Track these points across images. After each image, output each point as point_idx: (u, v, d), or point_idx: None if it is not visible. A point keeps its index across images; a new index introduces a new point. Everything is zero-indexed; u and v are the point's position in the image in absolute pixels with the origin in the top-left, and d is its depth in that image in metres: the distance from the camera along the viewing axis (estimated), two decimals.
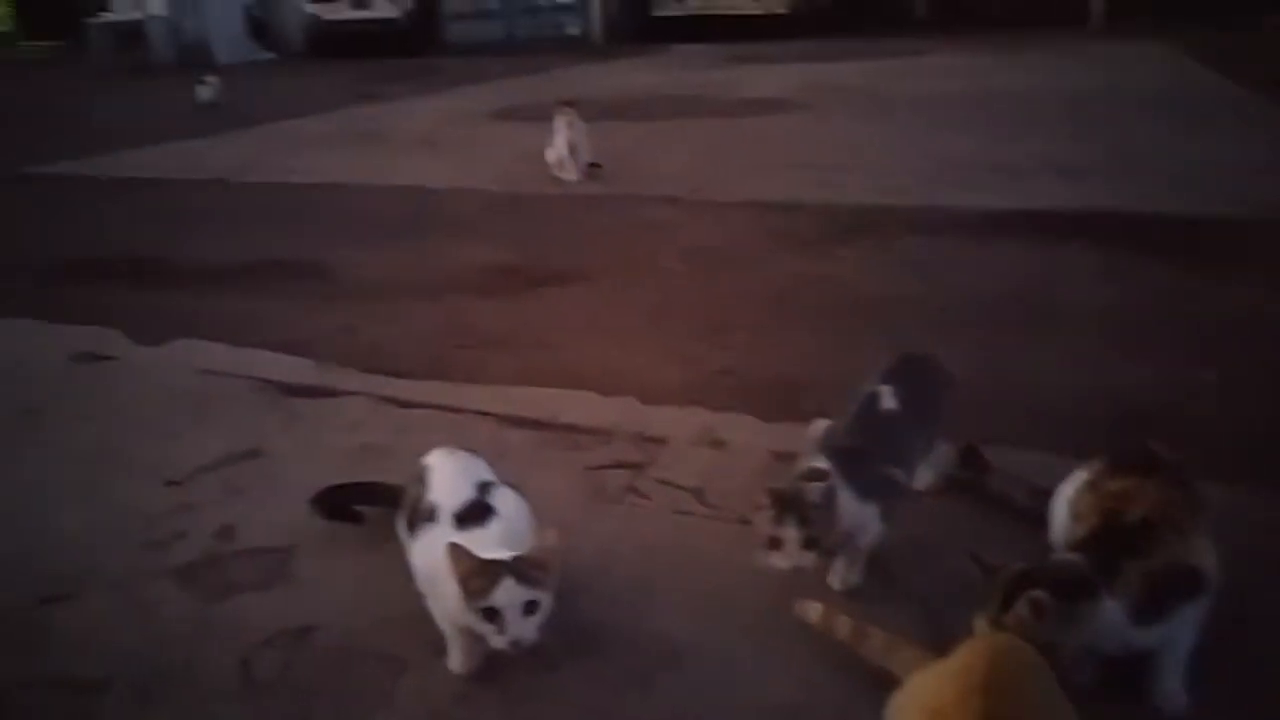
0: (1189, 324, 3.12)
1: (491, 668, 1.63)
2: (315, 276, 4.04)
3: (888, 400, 1.87)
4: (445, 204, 5.37)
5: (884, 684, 1.41)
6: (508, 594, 1.45)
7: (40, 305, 3.69)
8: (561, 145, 5.62)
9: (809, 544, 1.63)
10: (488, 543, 1.55)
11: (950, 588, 1.66)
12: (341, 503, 2.07)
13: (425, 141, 7.48)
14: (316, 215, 5.25)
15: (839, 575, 1.82)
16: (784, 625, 1.68)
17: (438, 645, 1.66)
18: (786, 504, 1.64)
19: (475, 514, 1.63)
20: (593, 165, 5.76)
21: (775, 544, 1.64)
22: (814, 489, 1.65)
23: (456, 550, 1.48)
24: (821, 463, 1.73)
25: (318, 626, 1.77)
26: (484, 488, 1.70)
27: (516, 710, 1.58)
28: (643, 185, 5.53)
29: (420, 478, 1.75)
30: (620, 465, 2.31)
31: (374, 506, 2.03)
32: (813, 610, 1.65)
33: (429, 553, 1.60)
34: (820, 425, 1.93)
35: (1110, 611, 1.41)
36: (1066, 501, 1.68)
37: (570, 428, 2.53)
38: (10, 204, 5.90)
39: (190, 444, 2.50)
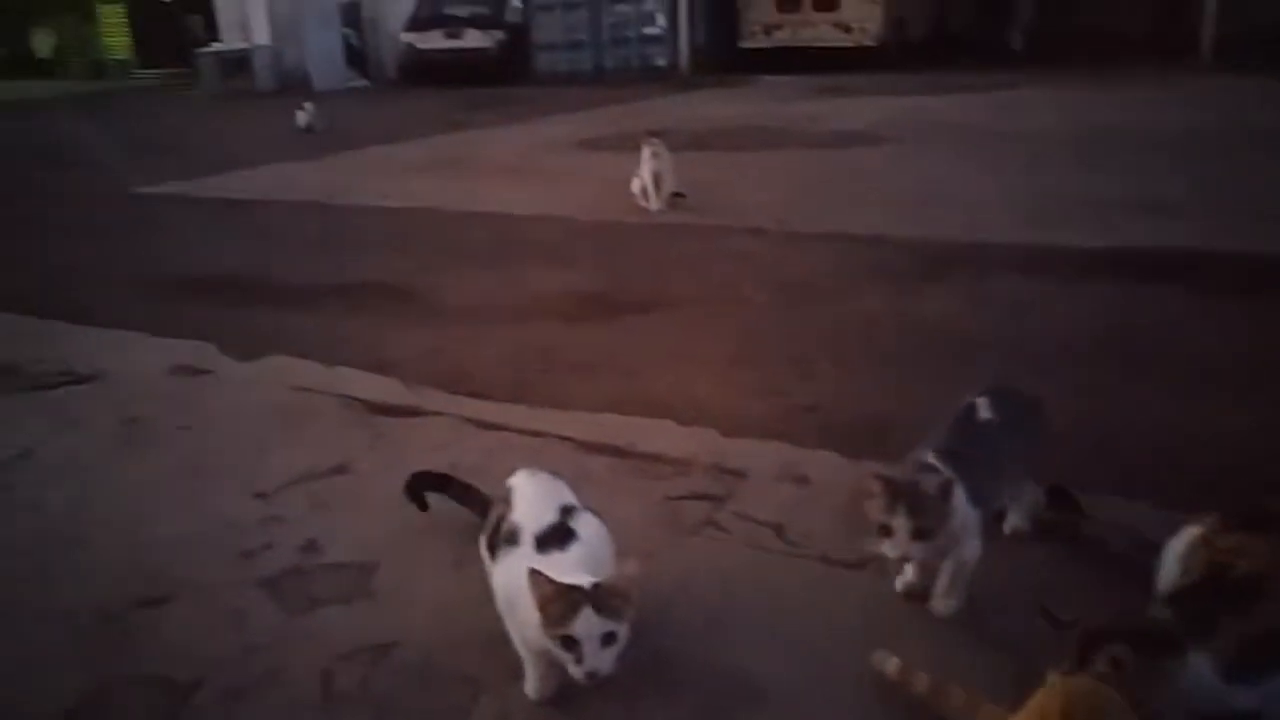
0: None
1: (567, 696, 1.63)
2: (404, 298, 4.15)
3: (984, 412, 1.86)
4: (531, 231, 5.47)
5: None
6: (586, 624, 1.45)
7: (144, 319, 3.86)
8: (647, 175, 5.68)
9: (919, 534, 1.64)
10: (568, 567, 1.55)
11: (1037, 638, 1.60)
12: (426, 487, 2.15)
13: (513, 169, 7.64)
14: (407, 239, 5.40)
15: (940, 599, 1.79)
16: (863, 669, 1.65)
17: (515, 669, 1.67)
18: (899, 493, 1.64)
19: (556, 537, 1.64)
20: (677, 195, 5.80)
21: (885, 532, 1.65)
22: (931, 480, 1.66)
23: (537, 576, 1.48)
24: (932, 459, 1.73)
25: (398, 643, 1.80)
26: (566, 511, 1.71)
27: None
28: (728, 216, 5.54)
29: (505, 498, 1.77)
30: (699, 497, 2.30)
31: (460, 505, 2.09)
32: (890, 664, 1.62)
33: (509, 575, 1.62)
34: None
35: (1200, 669, 1.35)
36: (1176, 556, 1.62)
37: (650, 456, 2.53)
38: (120, 222, 6.20)
39: (280, 458, 2.59)
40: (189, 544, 2.18)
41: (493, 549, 1.72)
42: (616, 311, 3.86)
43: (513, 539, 1.67)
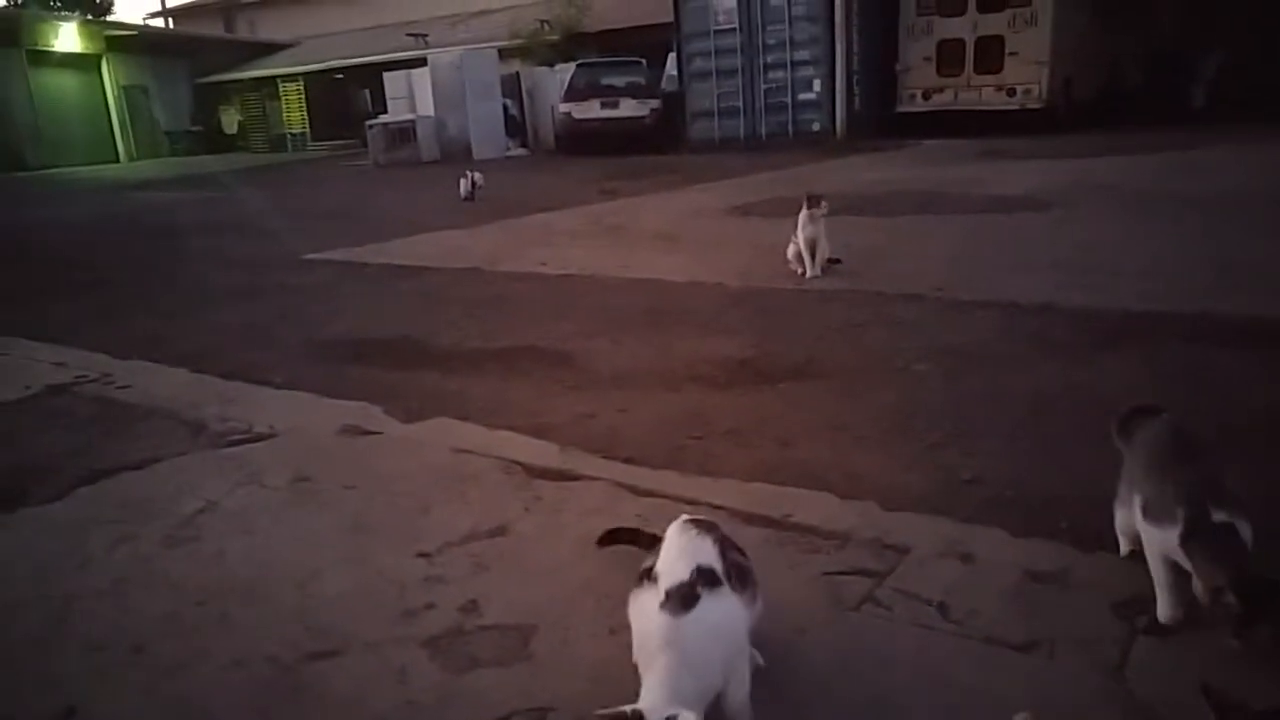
0: None
1: None
2: (561, 364, 4.28)
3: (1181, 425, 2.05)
4: (684, 297, 5.56)
5: None
6: None
7: (315, 380, 4.13)
8: (802, 240, 5.69)
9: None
10: (685, 636, 1.58)
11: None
12: (617, 541, 2.31)
13: (666, 236, 7.82)
14: (563, 305, 5.58)
15: None
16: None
17: None
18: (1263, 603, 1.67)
19: (683, 596, 1.65)
20: (833, 261, 5.78)
21: (1240, 634, 1.69)
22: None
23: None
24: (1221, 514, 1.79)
25: (554, 708, 1.83)
26: (703, 573, 1.70)
27: None
28: (884, 282, 5.47)
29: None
30: (859, 572, 2.26)
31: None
32: None
33: (638, 613, 1.69)
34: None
35: None
36: None
37: (806, 529, 2.50)
38: (291, 288, 6.69)
39: (441, 518, 2.70)
40: (355, 600, 2.30)
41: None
42: (770, 378, 3.86)
43: (648, 579, 1.72)
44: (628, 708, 1.52)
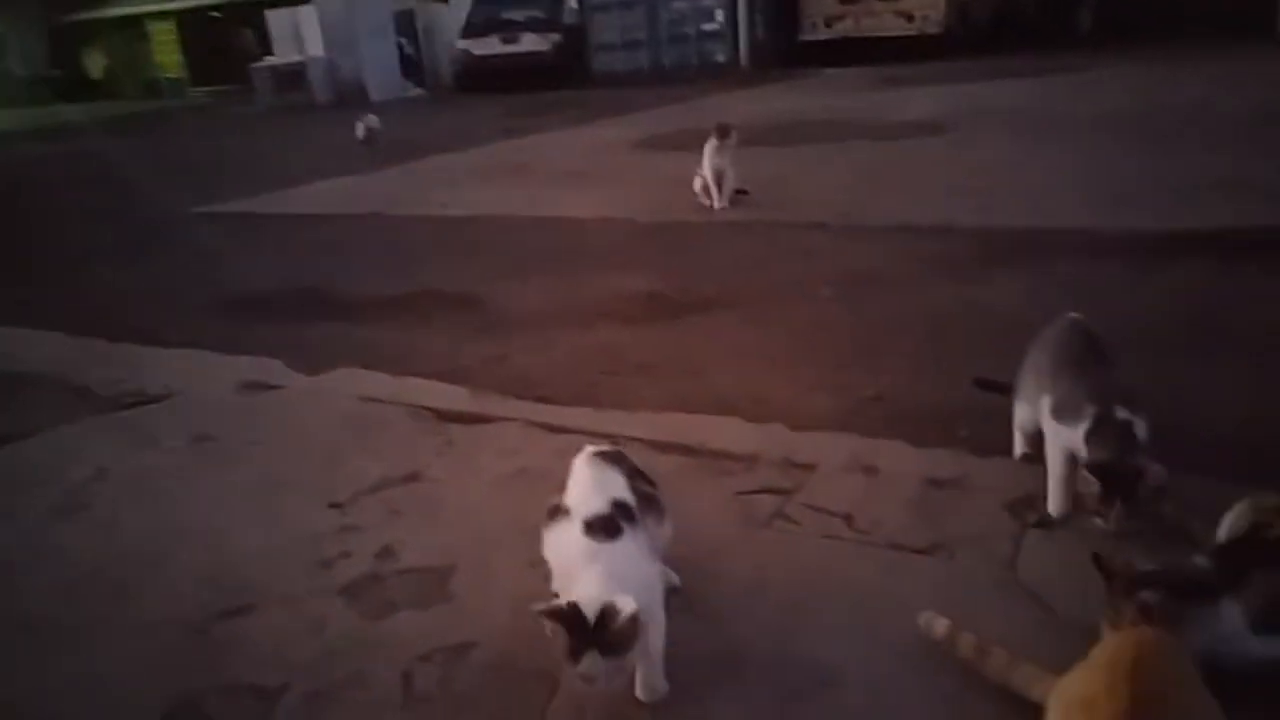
0: None
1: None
2: (468, 307, 4.24)
3: (1088, 325, 2.16)
4: (593, 234, 5.54)
5: (1033, 708, 1.40)
6: (592, 663, 1.51)
7: (211, 338, 3.99)
8: (709, 172, 5.70)
9: (1135, 517, 1.82)
10: (612, 561, 1.62)
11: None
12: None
13: (573, 173, 7.74)
14: (469, 247, 5.51)
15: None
16: (934, 650, 1.67)
17: None
18: (1116, 484, 1.81)
19: (605, 526, 1.68)
20: (740, 192, 5.81)
21: (1101, 514, 1.82)
22: (1156, 471, 1.81)
23: (551, 612, 1.54)
24: (1124, 413, 1.91)
25: (475, 644, 1.86)
26: (619, 506, 1.74)
27: None
28: (790, 211, 5.54)
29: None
30: (769, 491, 2.33)
31: None
32: (938, 626, 1.67)
33: (560, 548, 1.72)
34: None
35: (1229, 616, 1.44)
36: (1230, 518, 1.70)
37: (719, 454, 2.56)
38: (182, 242, 6.44)
39: (352, 468, 2.67)
40: (267, 556, 2.27)
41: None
42: (680, 311, 3.90)
43: (561, 514, 1.75)
44: (564, 601, 1.56)
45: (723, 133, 5.66)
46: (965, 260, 4.26)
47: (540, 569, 1.96)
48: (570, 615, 1.51)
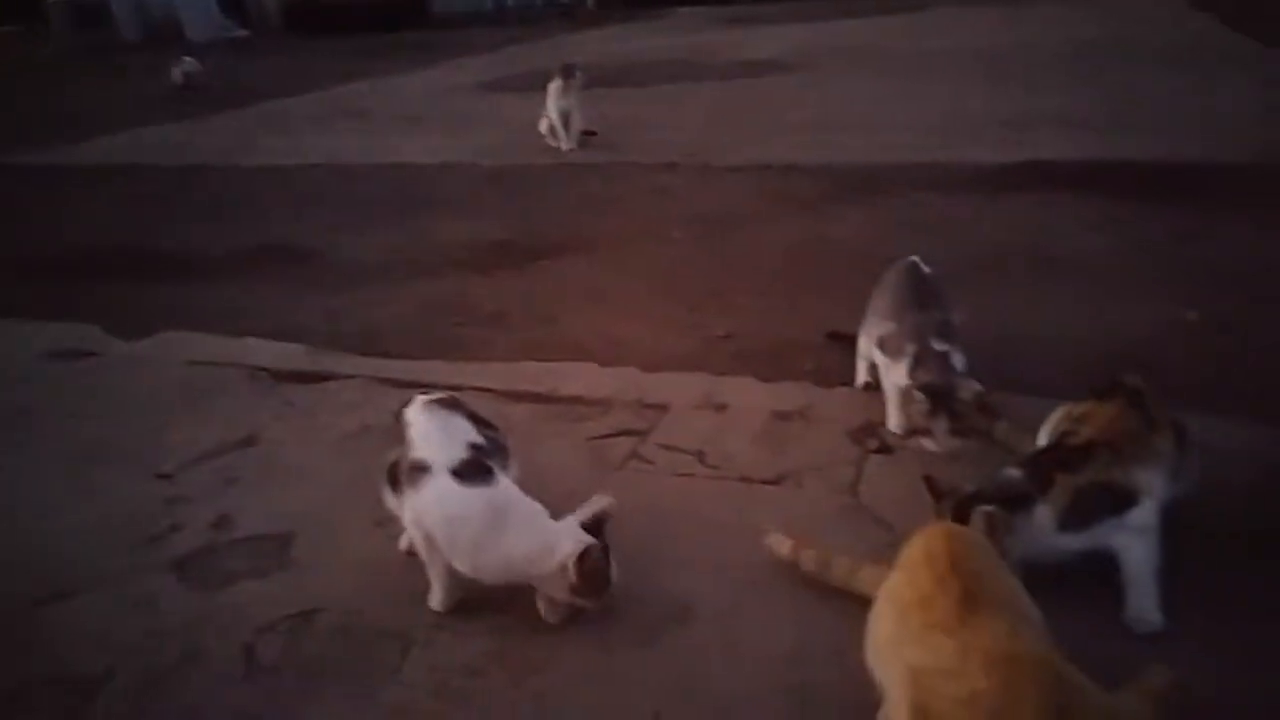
0: (1181, 267, 3.22)
1: (500, 628, 1.70)
2: (305, 261, 4.06)
3: (923, 268, 2.33)
4: (436, 181, 5.38)
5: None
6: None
7: (13, 303, 3.69)
8: (554, 113, 5.61)
9: (959, 432, 1.98)
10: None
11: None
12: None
13: (414, 118, 7.48)
14: (304, 198, 5.26)
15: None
16: (786, 577, 1.73)
17: (442, 620, 1.71)
18: (939, 400, 1.97)
19: (478, 471, 1.71)
20: (587, 133, 5.75)
21: (926, 433, 1.95)
22: (971, 388, 1.98)
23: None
24: (941, 346, 2.09)
25: (321, 609, 1.80)
26: (480, 449, 1.77)
27: (525, 681, 1.61)
28: (639, 152, 5.53)
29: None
30: (623, 433, 2.34)
31: None
32: (784, 545, 1.77)
33: (433, 507, 1.69)
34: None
35: (1041, 518, 1.59)
36: (1045, 430, 1.84)
37: (572, 399, 2.56)
38: None
39: (181, 436, 2.53)
40: (90, 534, 2.13)
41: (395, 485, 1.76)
42: (530, 257, 3.85)
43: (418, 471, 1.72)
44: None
45: (568, 73, 5.58)
46: (814, 197, 4.36)
47: (387, 528, 1.93)
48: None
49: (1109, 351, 2.54)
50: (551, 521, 1.69)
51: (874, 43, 9.42)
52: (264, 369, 2.91)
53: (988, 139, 5.14)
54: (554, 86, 5.59)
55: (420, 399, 1.87)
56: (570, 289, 3.49)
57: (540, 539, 1.65)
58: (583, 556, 1.61)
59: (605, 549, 1.63)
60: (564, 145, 5.63)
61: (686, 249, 3.85)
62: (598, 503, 1.70)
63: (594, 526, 1.67)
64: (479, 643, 1.68)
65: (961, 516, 1.56)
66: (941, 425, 1.98)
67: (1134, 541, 1.61)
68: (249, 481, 2.28)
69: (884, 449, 2.20)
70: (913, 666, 1.25)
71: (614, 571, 1.66)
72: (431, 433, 1.78)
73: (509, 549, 1.65)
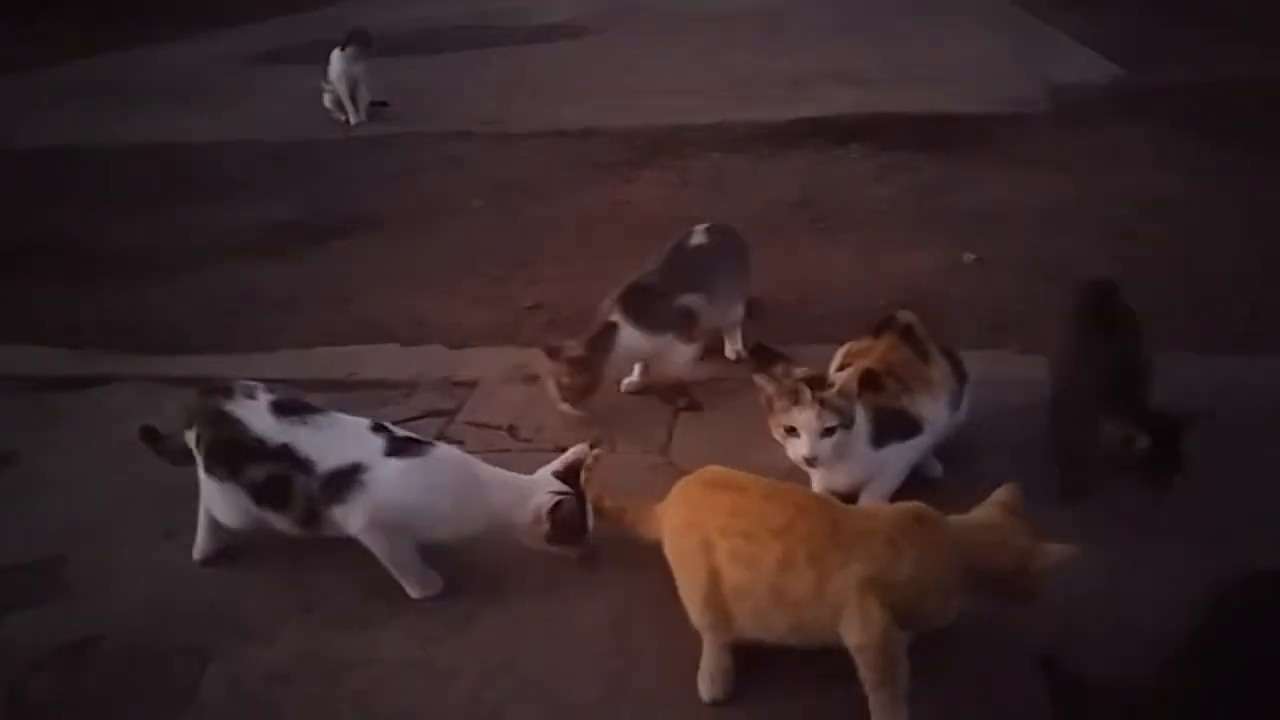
0: (955, 212, 3.48)
1: (308, 638, 1.62)
2: (67, 255, 3.70)
3: (697, 238, 2.34)
4: (213, 161, 5.01)
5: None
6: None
7: None
8: (340, 85, 5.36)
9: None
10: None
11: None
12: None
13: (180, 92, 6.94)
14: (60, 185, 4.79)
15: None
16: (602, 547, 1.73)
17: (243, 628, 1.62)
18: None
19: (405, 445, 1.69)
20: (378, 104, 5.53)
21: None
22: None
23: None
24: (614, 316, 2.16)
25: (101, 636, 1.66)
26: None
27: (339, 678, 1.55)
28: (435, 122, 5.37)
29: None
30: (429, 415, 2.29)
31: None
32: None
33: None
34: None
35: (859, 433, 1.74)
36: (833, 368, 1.97)
37: (374, 383, 2.47)
38: None
39: None
40: None
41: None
42: (322, 237, 3.68)
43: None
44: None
45: (359, 40, 5.34)
46: (612, 161, 4.38)
47: (178, 539, 1.80)
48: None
49: (894, 298, 2.66)
50: (523, 476, 1.71)
51: (658, 5, 9.49)
52: (24, 378, 2.64)
53: (771, 97, 5.32)
54: (338, 55, 5.33)
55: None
56: (367, 268, 3.37)
57: (515, 490, 1.66)
58: (555, 507, 1.62)
59: (580, 497, 1.65)
60: (353, 118, 5.38)
61: (488, 220, 3.79)
62: (574, 453, 1.71)
63: (568, 476, 1.67)
64: (286, 646, 1.60)
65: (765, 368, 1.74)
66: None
67: (899, 461, 1.81)
68: (12, 504, 2.07)
69: (693, 406, 2.24)
70: (869, 575, 1.35)
71: (589, 519, 1.66)
72: (317, 439, 1.67)
73: (489, 504, 1.66)
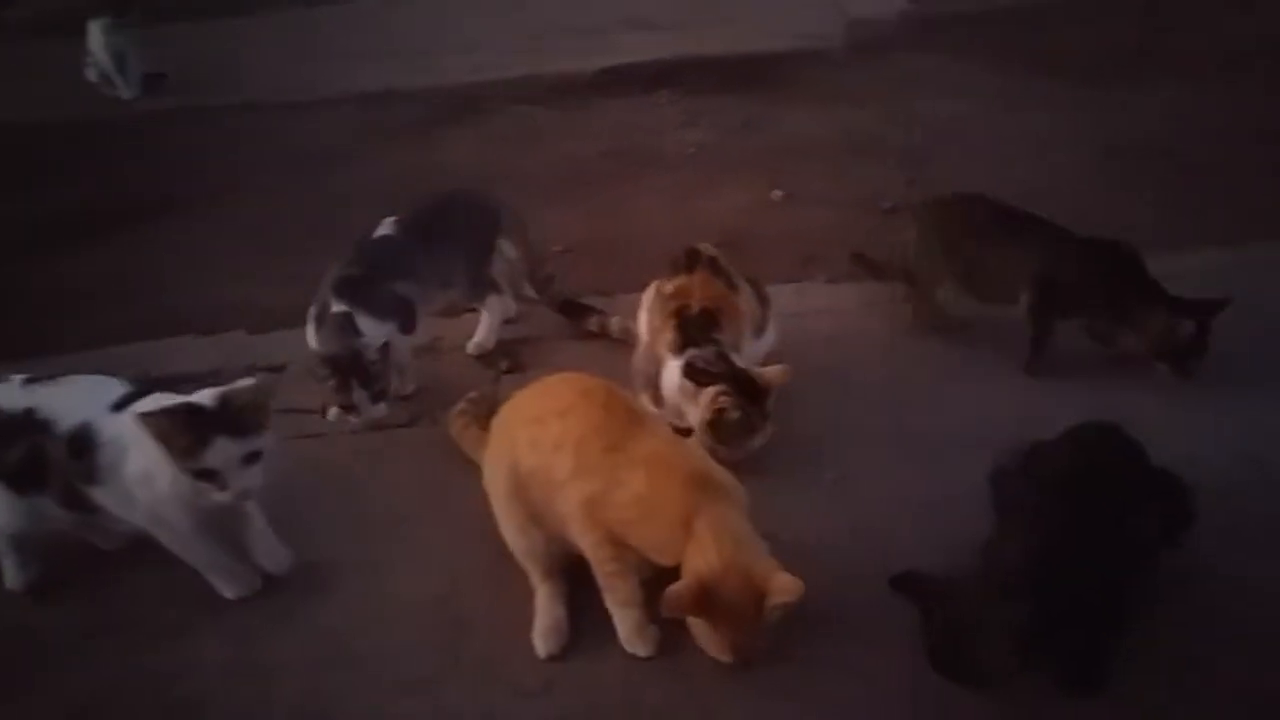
0: (760, 152, 3.61)
1: (125, 655, 1.58)
2: None
3: (384, 229, 2.30)
4: None
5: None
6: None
7: None
8: (104, 56, 4.98)
9: (379, 396, 1.99)
10: None
11: None
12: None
13: None
14: None
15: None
16: (432, 519, 1.76)
17: (56, 656, 1.57)
18: (346, 370, 1.95)
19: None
20: (154, 76, 5.17)
21: (349, 409, 1.95)
22: (370, 347, 1.97)
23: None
24: (339, 306, 2.06)
25: None
26: None
27: (163, 691, 1.50)
28: (219, 93, 5.06)
29: None
30: None
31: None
32: (453, 425, 1.92)
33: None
34: None
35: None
36: (646, 311, 2.08)
37: (173, 379, 2.34)
38: None
39: None
40: None
41: None
42: (104, 228, 3.46)
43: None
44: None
45: (120, 9, 4.96)
46: (419, 122, 4.29)
47: None
48: None
49: (706, 239, 2.72)
50: None
51: None
52: None
53: (572, 48, 5.27)
54: (96, 25, 4.94)
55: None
56: (161, 257, 3.20)
57: None
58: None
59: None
60: (125, 93, 5.02)
61: (290, 195, 3.64)
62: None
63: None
64: (107, 666, 1.54)
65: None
66: (358, 397, 1.98)
67: None
68: None
69: (515, 368, 2.25)
70: (588, 497, 1.45)
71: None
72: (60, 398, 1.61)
73: None
